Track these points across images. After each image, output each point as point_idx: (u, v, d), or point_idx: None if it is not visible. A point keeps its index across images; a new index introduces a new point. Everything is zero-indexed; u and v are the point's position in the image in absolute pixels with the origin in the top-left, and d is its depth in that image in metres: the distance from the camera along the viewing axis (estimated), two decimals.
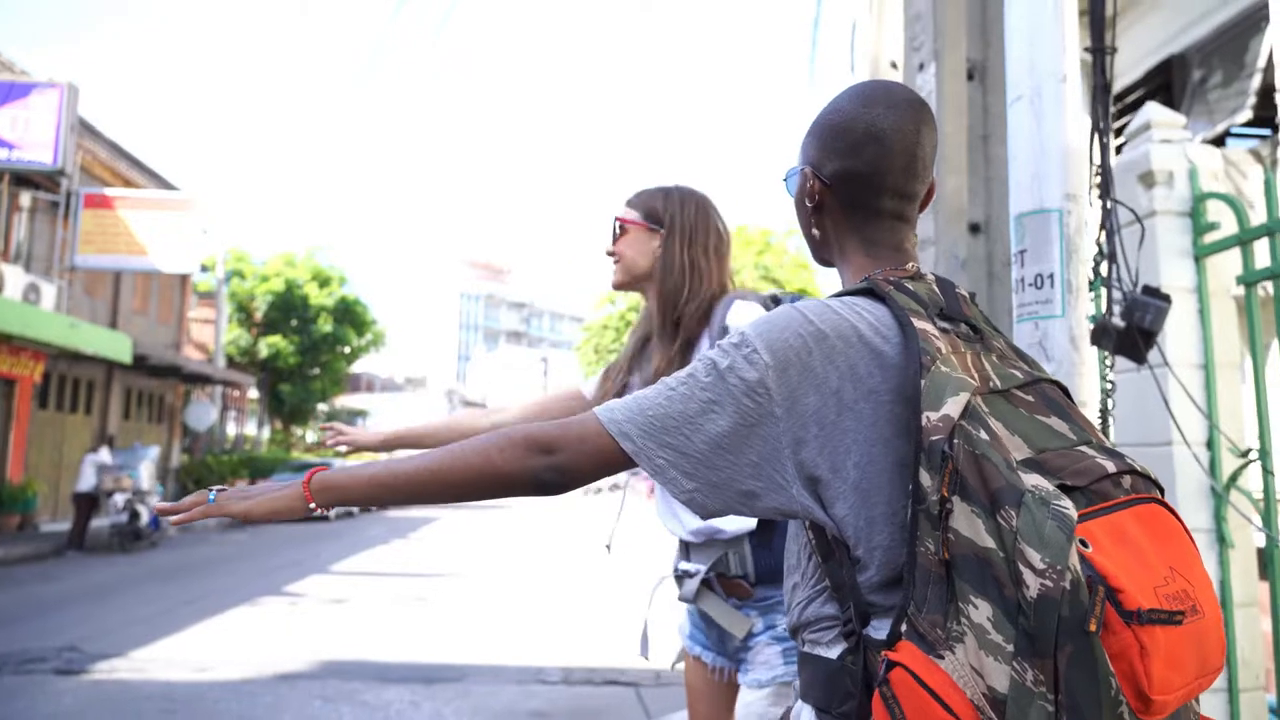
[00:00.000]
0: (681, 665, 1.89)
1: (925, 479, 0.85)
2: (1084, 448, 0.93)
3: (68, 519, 14.42)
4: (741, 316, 1.62)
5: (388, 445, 2.06)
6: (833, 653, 0.97)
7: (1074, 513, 0.82)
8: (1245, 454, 2.22)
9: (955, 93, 2.44)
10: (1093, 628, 0.78)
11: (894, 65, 3.73)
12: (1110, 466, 0.90)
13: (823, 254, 1.16)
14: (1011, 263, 1.58)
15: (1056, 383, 1.02)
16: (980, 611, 0.80)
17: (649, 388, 1.01)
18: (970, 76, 2.46)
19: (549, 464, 0.99)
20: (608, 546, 1.93)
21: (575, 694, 5.46)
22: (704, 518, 1.00)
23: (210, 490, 1.12)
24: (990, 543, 0.81)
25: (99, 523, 13.41)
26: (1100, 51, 2.08)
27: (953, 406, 0.88)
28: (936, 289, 1.03)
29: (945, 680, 0.80)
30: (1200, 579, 0.86)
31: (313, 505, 1.09)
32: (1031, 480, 0.84)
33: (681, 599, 1.77)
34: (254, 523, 1.12)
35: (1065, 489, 0.86)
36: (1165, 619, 0.80)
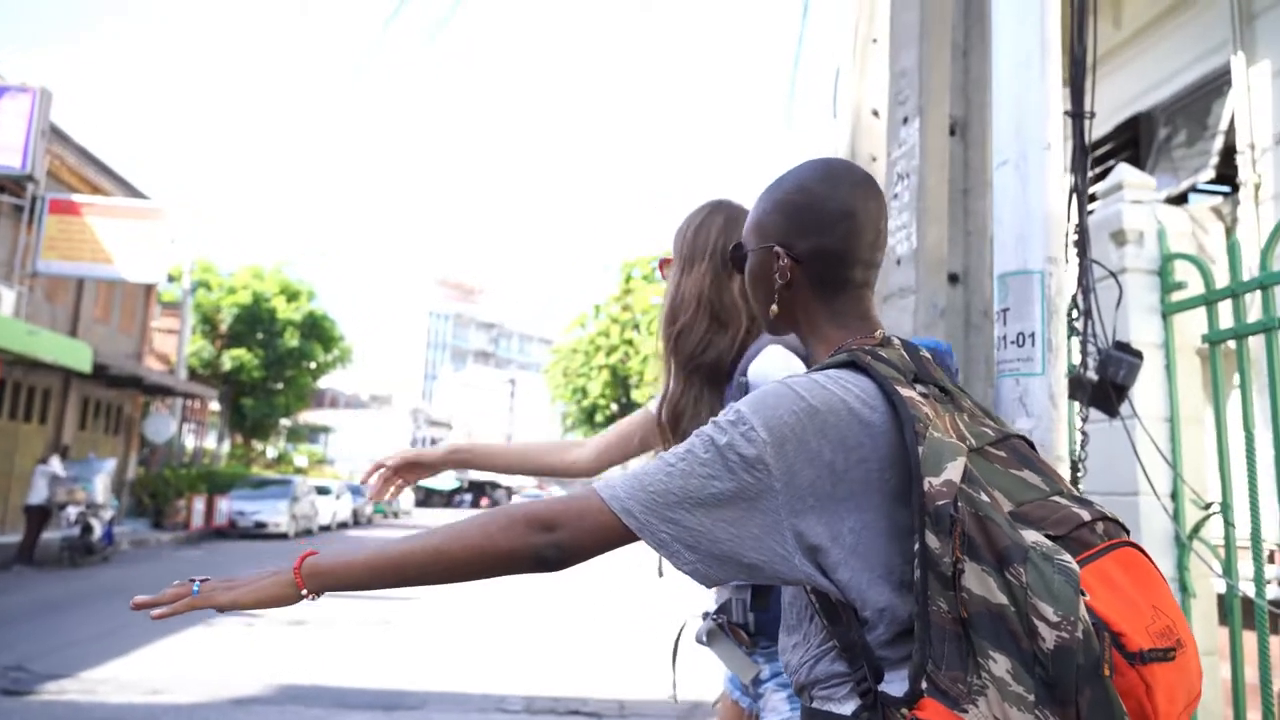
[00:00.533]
0: (720, 705, 1.89)
1: (933, 541, 0.89)
2: (1057, 498, 0.98)
3: (17, 531, 14.01)
4: (767, 367, 1.53)
5: (447, 462, 1.92)
6: (846, 709, 0.99)
7: (1077, 566, 0.87)
8: (1208, 507, 2.30)
9: (938, 147, 2.53)
10: (1106, 672, 0.83)
11: (875, 114, 3.83)
12: (1085, 515, 0.96)
13: (781, 328, 1.19)
14: (994, 319, 1.63)
15: (1022, 437, 1.07)
16: (1000, 665, 0.85)
17: (649, 463, 1.03)
18: (952, 132, 2.54)
19: (550, 541, 1.00)
20: (660, 572, 1.87)
21: None
22: (707, 586, 1.02)
23: (194, 581, 1.08)
24: (1003, 599, 0.86)
25: (50, 535, 13.06)
26: (1080, 116, 2.17)
27: (953, 471, 0.92)
28: (905, 354, 1.07)
29: None
30: (1178, 614, 0.92)
31: (304, 592, 1.06)
32: (1031, 537, 0.90)
33: (695, 638, 1.77)
34: (237, 610, 1.08)
35: (1051, 540, 0.91)
36: (1162, 656, 0.86)
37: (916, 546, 0.91)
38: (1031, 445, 1.08)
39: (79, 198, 17.38)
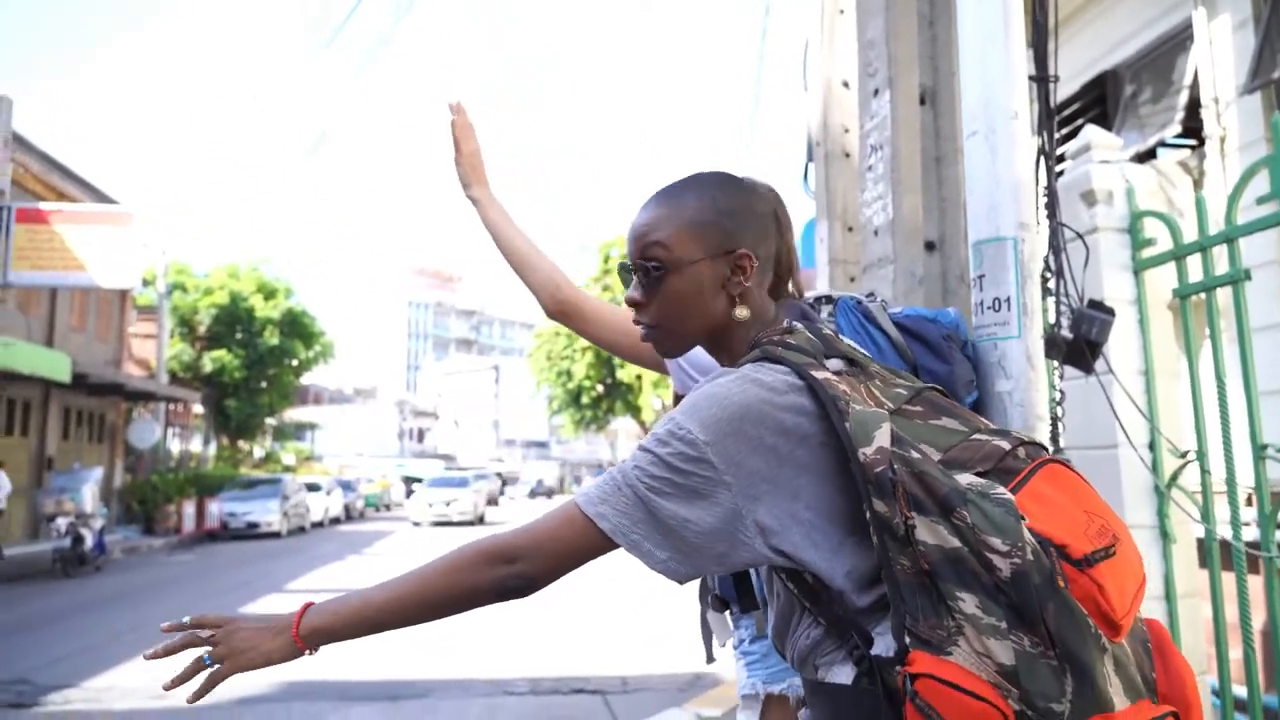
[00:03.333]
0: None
1: (880, 507, 0.95)
2: (977, 436, 1.05)
3: (6, 544, 13.89)
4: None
5: (471, 174, 1.83)
6: (845, 677, 1.04)
7: (1011, 496, 0.95)
8: (1184, 455, 2.37)
9: (909, 116, 2.56)
10: (1061, 584, 0.91)
11: (846, 85, 3.85)
12: (1005, 445, 1.03)
13: (715, 340, 1.21)
14: (971, 286, 1.68)
15: (934, 387, 1.14)
16: (968, 603, 0.91)
17: (610, 473, 1.08)
18: (922, 101, 2.57)
19: (512, 572, 1.07)
20: (710, 658, 1.90)
21: (543, 704, 5.49)
22: (679, 583, 1.07)
23: (203, 653, 1.15)
24: (956, 542, 0.92)
25: (41, 547, 12.99)
26: (1044, 80, 2.21)
27: (881, 437, 0.98)
28: (810, 335, 1.12)
29: (962, 672, 0.89)
30: (1109, 513, 1.00)
31: (306, 652, 1.15)
32: (964, 479, 0.97)
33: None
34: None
35: (982, 475, 0.99)
36: (1104, 555, 0.94)
37: (868, 515, 0.96)
38: (943, 393, 1.15)
39: (46, 205, 17.10)
